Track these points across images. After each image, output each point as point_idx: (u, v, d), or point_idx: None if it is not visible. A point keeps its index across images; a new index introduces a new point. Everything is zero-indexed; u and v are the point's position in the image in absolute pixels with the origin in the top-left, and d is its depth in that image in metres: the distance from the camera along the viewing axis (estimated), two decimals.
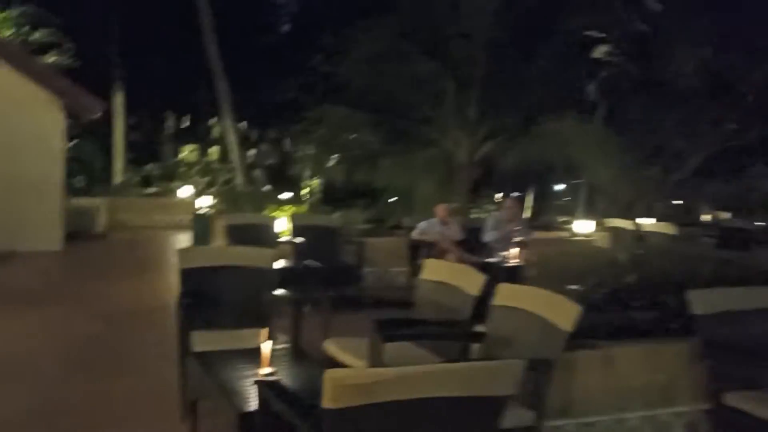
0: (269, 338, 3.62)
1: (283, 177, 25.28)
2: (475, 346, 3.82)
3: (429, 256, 8.22)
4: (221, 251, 4.94)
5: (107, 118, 25.48)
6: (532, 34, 14.08)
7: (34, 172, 10.96)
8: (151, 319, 6.97)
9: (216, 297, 4.63)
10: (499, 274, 6.50)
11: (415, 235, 8.52)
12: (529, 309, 3.49)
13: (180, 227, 16.12)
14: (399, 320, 3.98)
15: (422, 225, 8.59)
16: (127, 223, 15.84)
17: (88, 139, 17.52)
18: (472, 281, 4.11)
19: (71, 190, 14.77)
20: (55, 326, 6.44)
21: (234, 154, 18.73)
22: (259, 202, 11.29)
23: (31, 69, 11.05)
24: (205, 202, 13.10)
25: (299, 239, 8.07)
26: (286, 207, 10.15)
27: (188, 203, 16.68)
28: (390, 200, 16.71)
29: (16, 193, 10.88)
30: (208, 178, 18.85)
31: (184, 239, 14.19)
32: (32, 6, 15.53)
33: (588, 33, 15.29)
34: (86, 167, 16.35)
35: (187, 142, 35.14)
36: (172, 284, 8.56)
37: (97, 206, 13.64)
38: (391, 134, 14.70)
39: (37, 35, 15.52)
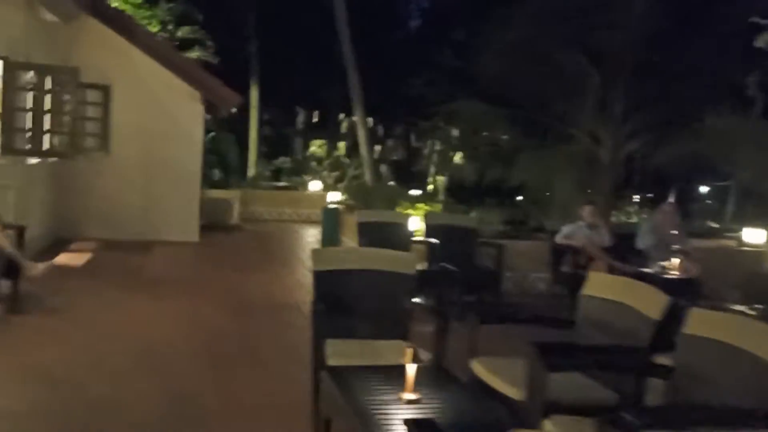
0: (413, 356, 3.21)
1: (408, 173, 25.07)
2: (656, 381, 3.19)
3: (575, 264, 7.58)
4: (358, 253, 4.57)
5: (242, 113, 26.49)
6: (688, 22, 12.81)
7: (176, 163, 11.25)
8: (282, 317, 6.79)
9: (351, 303, 4.28)
10: (661, 287, 5.75)
11: (559, 239, 7.85)
12: (737, 344, 2.82)
13: (309, 221, 16.23)
14: (563, 345, 3.42)
15: (567, 228, 7.89)
16: (258, 216, 16.13)
17: (223, 132, 18.02)
18: (651, 302, 3.48)
19: (207, 182, 15.19)
20: (188, 318, 6.38)
21: (363, 149, 18.58)
22: (390, 198, 10.96)
23: (175, 63, 11.35)
24: (334, 197, 12.99)
25: (434, 240, 7.64)
26: (419, 205, 9.72)
27: (318, 197, 16.78)
28: (518, 199, 16.04)
29: (158, 184, 11.22)
30: (337, 172, 18.85)
31: (313, 234, 14.21)
32: (178, 4, 16.13)
33: (753, 20, 13.74)
34: (222, 160, 16.79)
35: (317, 137, 35.89)
36: (301, 281, 8.45)
37: (231, 198, 13.92)
38: (527, 130, 13.94)
39: (181, 32, 16.10)
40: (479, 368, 3.70)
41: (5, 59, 8.40)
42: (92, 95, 10.85)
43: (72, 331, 5.66)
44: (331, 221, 11.47)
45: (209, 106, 11.84)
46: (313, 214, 16.42)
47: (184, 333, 5.85)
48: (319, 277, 4.30)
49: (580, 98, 13.13)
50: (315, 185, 17.11)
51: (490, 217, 10.26)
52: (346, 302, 4.26)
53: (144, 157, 11.16)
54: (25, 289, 6.47)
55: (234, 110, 15.90)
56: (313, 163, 19.06)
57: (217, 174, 17.36)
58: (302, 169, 20.09)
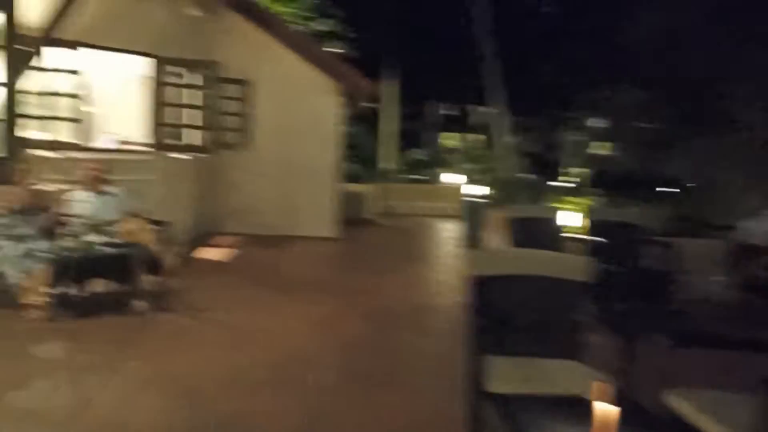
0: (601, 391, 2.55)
1: (544, 165, 23.99)
2: None
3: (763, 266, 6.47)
4: (522, 257, 3.93)
5: (374, 106, 26.57)
6: None
7: (314, 157, 11.09)
8: (424, 324, 6.29)
9: (514, 314, 3.65)
10: None
11: (742, 238, 6.75)
12: None
13: (445, 215, 15.71)
14: None
15: (752, 225, 6.78)
16: (394, 210, 15.80)
17: (359, 126, 17.87)
18: None
19: (344, 176, 15.06)
20: (325, 325, 6.01)
21: (502, 141, 17.79)
22: (535, 192, 10.17)
23: (314, 56, 11.17)
24: (474, 191, 12.36)
25: (596, 238, 6.82)
26: (569, 198, 8.85)
27: (454, 191, 16.21)
28: (674, 191, 14.61)
29: (297, 179, 11.12)
30: (474, 165, 18.15)
31: (450, 229, 13.64)
32: None
33: None
34: (357, 153, 16.63)
35: (449, 130, 35.36)
36: (441, 282, 7.92)
37: (368, 192, 13.66)
38: (688, 118, 12.58)
39: (321, 26, 16.06)
40: (683, 405, 2.96)
41: (156, 56, 8.51)
42: (233, 90, 10.90)
43: (207, 335, 5.45)
44: (472, 216, 10.84)
45: (347, 99, 11.58)
46: (449, 208, 15.89)
47: (320, 342, 5.48)
48: (478, 283, 3.71)
49: (753, 82, 11.65)
50: (451, 178, 16.54)
51: (650, 213, 9.17)
52: (508, 313, 3.65)
53: (283, 151, 11.08)
54: (168, 285, 6.40)
55: (367, 103, 15.69)
56: (449, 156, 18.45)
57: (352, 168, 17.26)
58: (437, 161, 19.56)
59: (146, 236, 6.08)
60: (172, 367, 4.59)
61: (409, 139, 31.55)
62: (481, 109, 36.93)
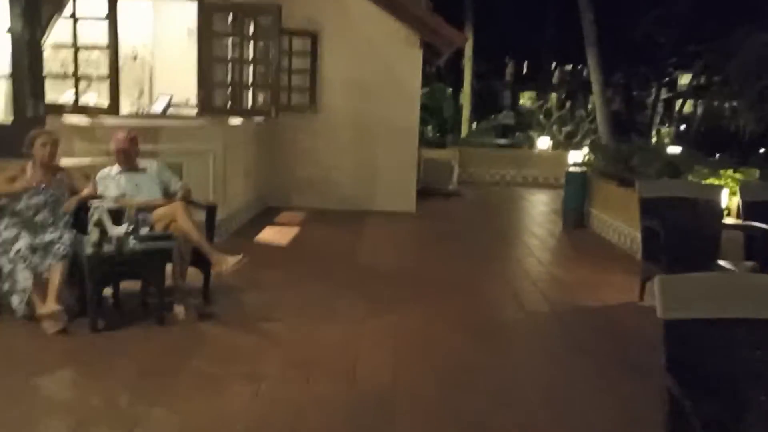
0: None
1: (628, 125, 21.85)
2: None
3: None
4: (740, 284, 2.41)
5: (452, 65, 24.91)
6: None
7: (391, 120, 9.62)
8: (523, 336, 4.83)
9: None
10: None
11: None
12: None
13: (537, 184, 14.02)
14: None
15: None
16: (478, 179, 14.21)
17: (437, 85, 16.27)
18: None
19: (422, 141, 13.61)
20: (415, 338, 4.61)
21: (596, 100, 15.82)
22: (650, 160, 8.39)
23: (391, 2, 9.58)
24: (576, 157, 10.62)
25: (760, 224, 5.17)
26: (726, 172, 7.04)
27: (547, 157, 14.48)
28: None
29: (371, 145, 9.70)
30: (568, 127, 16.24)
31: (544, 201, 11.99)
32: None
33: None
34: (437, 116, 15.05)
35: (526, 89, 33.03)
36: (550, 275, 6.39)
37: (449, 159, 12.08)
38: None
39: None
40: None
41: (202, 0, 7.18)
42: (298, 44, 9.51)
43: (261, 356, 4.13)
44: (576, 190, 9.18)
45: (427, 53, 10.00)
46: (541, 177, 14.20)
47: (412, 364, 4.09)
48: (677, 329, 2.24)
49: None
50: (543, 143, 14.73)
51: None
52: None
53: (355, 113, 9.66)
54: (218, 282, 5.14)
55: (444, 61, 14.05)
56: (535, 118, 16.52)
57: (432, 131, 15.70)
58: (523, 124, 17.71)
59: (187, 224, 4.80)
60: (210, 412, 3.29)
61: (487, 99, 29.64)
62: (561, 66, 34.61)
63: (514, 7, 25.46)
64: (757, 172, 7.51)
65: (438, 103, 15.05)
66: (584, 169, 9.48)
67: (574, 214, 9.24)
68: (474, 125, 18.86)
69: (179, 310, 4.77)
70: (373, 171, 9.74)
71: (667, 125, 33.58)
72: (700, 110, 32.34)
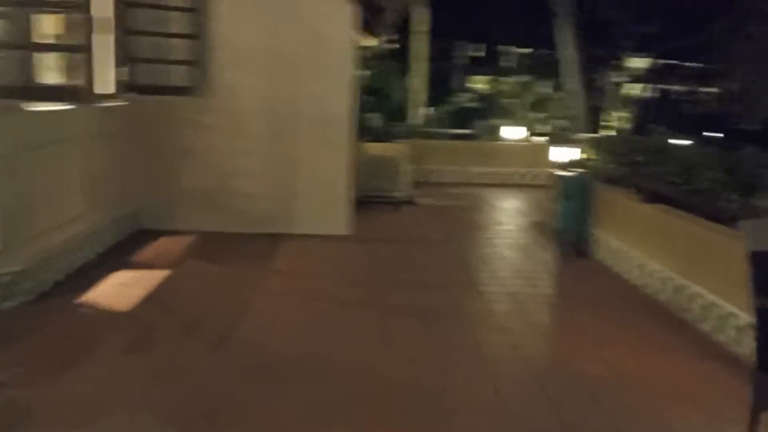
0: None
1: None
2: None
3: None
4: None
5: (402, 47, 22.73)
6: None
7: (318, 105, 6.83)
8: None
9: None
10: None
11: None
12: None
13: (509, 185, 11.40)
14: None
15: None
16: (435, 178, 11.54)
17: (381, 67, 13.59)
18: None
19: (364, 133, 10.96)
20: None
21: (571, 84, 13.41)
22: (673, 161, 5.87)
23: None
24: (567, 156, 7.99)
25: None
26: None
27: (520, 150, 11.84)
28: None
29: (289, 140, 6.92)
30: (544, 114, 13.68)
31: (523, 210, 9.42)
32: None
33: None
34: (383, 101, 12.36)
35: (478, 73, 30.66)
36: (551, 382, 3.69)
37: (398, 157, 9.33)
38: None
39: None
40: None
41: None
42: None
43: None
44: (576, 205, 6.59)
45: (366, 24, 7.25)
46: (515, 174, 11.61)
47: None
48: None
49: None
50: (513, 133, 12.00)
51: None
52: None
53: (268, 97, 6.85)
54: None
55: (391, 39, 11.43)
56: (507, 102, 13.81)
57: (374, 121, 12.96)
58: (483, 111, 15.09)
59: None
60: None
61: (439, 84, 27.21)
62: (515, 48, 32.41)
63: None
64: None
65: (387, 86, 12.34)
66: (584, 173, 6.85)
67: (573, 237, 6.66)
68: (430, 112, 16.16)
69: None
70: (292, 178, 6.96)
71: (620, 109, 32.14)
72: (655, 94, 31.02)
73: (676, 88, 32.47)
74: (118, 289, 4.83)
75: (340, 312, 4.72)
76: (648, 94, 35.16)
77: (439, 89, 27.53)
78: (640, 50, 26.29)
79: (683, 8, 18.32)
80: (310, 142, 6.91)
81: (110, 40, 5.81)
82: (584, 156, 8.05)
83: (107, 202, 5.91)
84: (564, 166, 7.35)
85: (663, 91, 33.87)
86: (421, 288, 5.42)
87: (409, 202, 9.25)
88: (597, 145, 7.79)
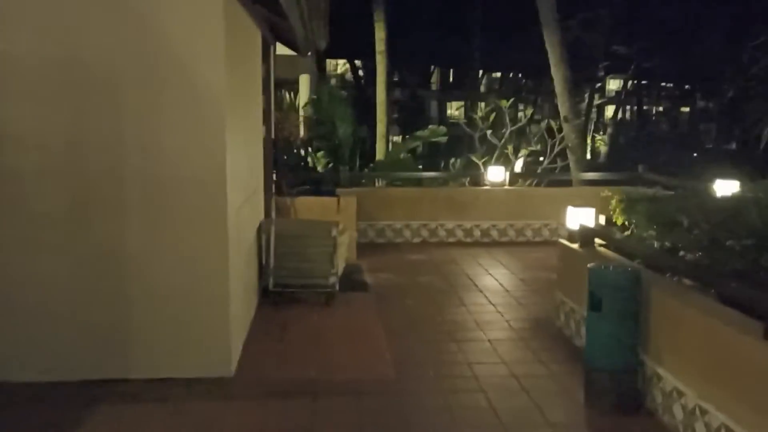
0: None
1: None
2: None
3: None
4: None
5: (355, 69, 20.84)
6: None
7: (168, 157, 4.00)
8: None
9: None
10: None
11: None
12: None
13: (490, 245, 8.51)
14: None
15: None
16: (391, 235, 8.67)
17: (325, 87, 10.92)
18: None
19: (300, 175, 8.21)
20: None
21: (564, 109, 10.82)
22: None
23: None
24: (581, 219, 5.01)
25: None
26: None
27: (506, 197, 8.95)
28: None
29: (116, 220, 4.02)
30: (538, 147, 10.85)
31: (518, 296, 6.55)
32: None
33: None
34: (327, 137, 9.58)
35: (452, 99, 28.40)
36: None
37: (329, 224, 6.21)
38: None
39: None
40: None
41: None
42: None
43: None
44: (617, 321, 3.72)
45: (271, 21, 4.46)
46: (492, 230, 8.76)
47: None
48: None
49: None
50: (495, 174, 9.01)
51: None
52: None
53: (67, 149, 3.97)
54: None
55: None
56: (488, 132, 10.74)
57: (320, 161, 10.14)
58: (464, 145, 12.27)
59: None
60: None
61: (408, 115, 25.05)
62: (489, 73, 30.43)
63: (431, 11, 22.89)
64: None
65: (338, 118, 9.54)
66: (628, 266, 3.94)
67: (614, 380, 3.77)
68: (393, 149, 13.33)
69: None
70: (119, 285, 4.04)
71: (601, 132, 30.55)
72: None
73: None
74: None
75: None
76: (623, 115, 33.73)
77: (410, 120, 25.22)
78: (616, 71, 25.14)
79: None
80: (149, 220, 4.02)
81: None
82: (609, 216, 5.19)
83: None
84: (583, 240, 4.49)
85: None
86: None
87: (357, 282, 6.33)
88: (630, 206, 4.74)
